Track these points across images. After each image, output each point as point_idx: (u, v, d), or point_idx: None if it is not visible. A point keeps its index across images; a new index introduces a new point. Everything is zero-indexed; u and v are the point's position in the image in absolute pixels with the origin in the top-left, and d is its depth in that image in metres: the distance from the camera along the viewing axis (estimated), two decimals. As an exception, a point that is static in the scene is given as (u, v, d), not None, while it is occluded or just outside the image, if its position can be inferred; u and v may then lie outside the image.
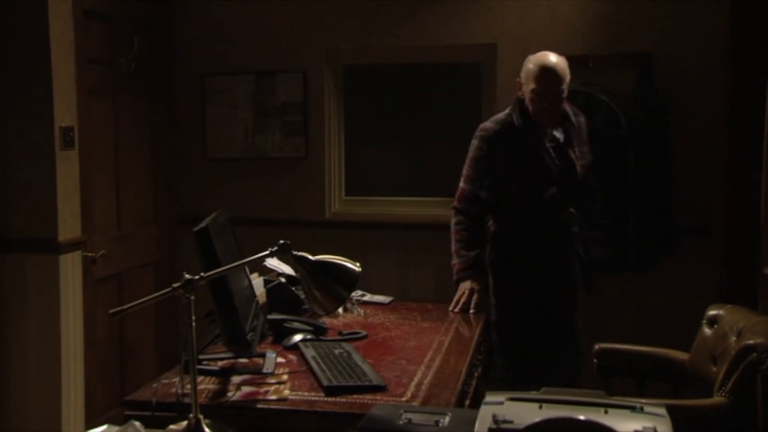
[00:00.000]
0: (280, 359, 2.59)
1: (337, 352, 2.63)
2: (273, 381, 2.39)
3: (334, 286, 2.14)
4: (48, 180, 3.58)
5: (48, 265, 3.59)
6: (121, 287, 4.27)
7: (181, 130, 4.71)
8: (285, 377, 2.42)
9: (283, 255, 2.12)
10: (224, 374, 2.44)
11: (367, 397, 2.26)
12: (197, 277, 2.01)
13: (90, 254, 3.88)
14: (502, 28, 4.32)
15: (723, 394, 2.58)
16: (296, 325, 2.87)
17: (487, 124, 3.45)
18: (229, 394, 2.28)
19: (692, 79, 4.09)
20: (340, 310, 3.24)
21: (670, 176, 4.08)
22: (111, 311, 1.97)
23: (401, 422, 1.94)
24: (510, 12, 4.30)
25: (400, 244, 4.51)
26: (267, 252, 2.14)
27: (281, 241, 2.13)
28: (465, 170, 3.47)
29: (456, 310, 3.31)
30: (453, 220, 3.52)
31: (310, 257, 2.15)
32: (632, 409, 1.68)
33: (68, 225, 3.67)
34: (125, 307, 1.98)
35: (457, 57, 4.48)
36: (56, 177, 3.59)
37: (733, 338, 2.78)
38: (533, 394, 1.79)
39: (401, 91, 4.67)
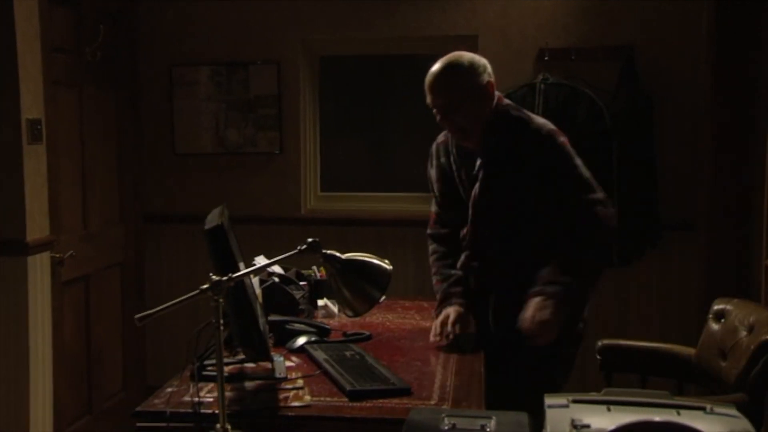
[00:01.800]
0: (288, 363, 2.46)
1: (348, 354, 2.51)
2: (289, 386, 2.25)
3: (366, 286, 2.02)
4: (15, 176, 3.35)
5: (15, 268, 3.36)
6: (89, 290, 4.04)
7: (147, 123, 4.50)
8: (300, 382, 2.28)
9: (312, 254, 1.98)
10: (235, 380, 2.29)
11: (393, 402, 2.14)
12: (225, 278, 1.85)
13: (57, 255, 3.65)
14: (483, 20, 4.24)
15: (743, 390, 2.54)
16: (299, 326, 2.73)
17: (440, 135, 2.89)
18: (248, 401, 2.14)
19: (675, 72, 4.09)
20: (335, 309, 3.11)
21: (654, 169, 4.07)
22: (137, 316, 1.81)
23: (446, 427, 1.83)
24: (492, 3, 4.23)
25: (378, 240, 4.39)
26: (296, 250, 2.00)
27: (310, 239, 2.00)
28: None
29: (434, 339, 2.66)
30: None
31: (341, 255, 2.02)
32: (703, 410, 1.61)
33: (36, 224, 3.44)
34: (151, 312, 1.82)
35: (437, 49, 4.31)
36: (24, 173, 3.36)
37: (744, 333, 2.75)
38: (594, 396, 1.70)
39: (379, 84, 4.56)
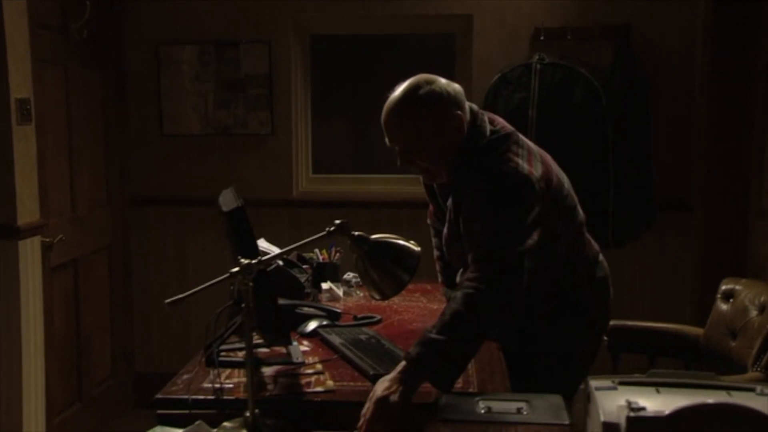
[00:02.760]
0: (302, 348, 2.40)
1: (363, 337, 2.45)
2: (309, 371, 2.19)
3: (395, 268, 1.96)
4: (5, 158, 3.24)
5: (6, 252, 3.26)
6: (77, 275, 3.94)
7: (134, 104, 4.38)
8: (319, 366, 2.23)
9: (340, 235, 1.92)
10: (245, 365, 2.23)
11: (417, 385, 2.10)
12: (255, 261, 1.79)
13: (47, 240, 3.54)
14: (478, -1, 4.19)
15: (758, 369, 2.54)
16: (309, 310, 2.67)
17: None
18: (269, 386, 2.08)
19: (671, 52, 4.07)
20: (341, 293, 3.06)
21: (649, 150, 4.06)
22: (167, 301, 1.74)
23: (482, 411, 1.80)
24: (486, -18, 4.18)
25: (371, 223, 4.27)
26: (324, 232, 1.94)
27: (338, 221, 1.94)
28: None
29: None
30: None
31: (369, 237, 1.96)
32: (753, 390, 1.58)
33: (27, 208, 3.34)
34: (181, 296, 1.75)
35: (430, 28, 4.32)
36: (14, 155, 3.24)
37: (755, 312, 2.75)
38: (640, 377, 1.67)
39: (371, 63, 4.49)
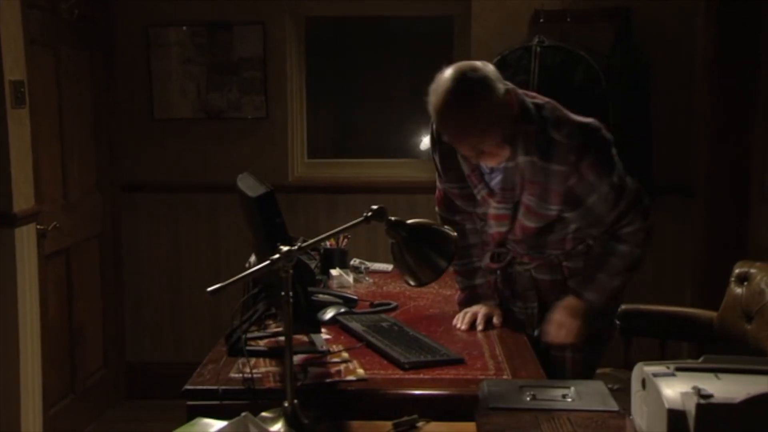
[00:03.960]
0: (323, 335, 2.34)
1: (385, 325, 2.41)
2: (336, 360, 2.14)
3: (432, 254, 1.91)
4: (0, 143, 3.11)
5: (2, 240, 3.14)
6: (69, 263, 3.83)
7: (123, 87, 4.26)
8: (345, 355, 2.18)
9: (377, 221, 1.87)
10: (276, 355, 2.17)
11: (450, 372, 2.06)
12: (296, 247, 1.72)
13: (41, 227, 3.43)
14: (477, -20, 4.13)
15: (780, 352, 2.53)
16: (325, 297, 2.62)
17: None
18: (299, 376, 2.01)
19: (671, 34, 4.06)
20: (350, 279, 3.00)
21: (649, 134, 4.05)
22: (209, 289, 1.67)
23: (528, 398, 1.76)
24: (486, -37, 4.12)
25: (367, 208, 4.26)
26: (362, 218, 1.88)
27: (375, 206, 1.88)
28: None
29: (462, 326, 2.43)
30: None
31: (406, 222, 1.91)
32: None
33: (22, 194, 3.23)
34: (223, 284, 1.68)
35: (428, 10, 4.26)
36: (8, 140, 3.13)
37: (771, 295, 2.74)
38: (694, 363, 1.64)
39: (368, 46, 4.41)
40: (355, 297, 2.68)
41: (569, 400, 1.76)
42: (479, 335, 2.40)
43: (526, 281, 2.46)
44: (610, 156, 2.26)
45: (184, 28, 4.17)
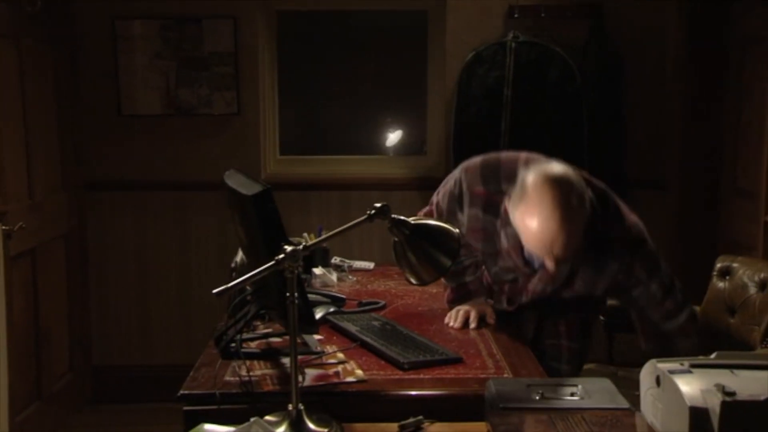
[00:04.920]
0: (316, 336, 2.28)
1: (377, 324, 2.36)
2: (333, 361, 2.08)
3: (435, 253, 1.86)
4: (-36, 139, 2.98)
5: (-32, 241, 3.01)
6: (35, 264, 3.69)
7: (88, 82, 4.12)
8: (341, 356, 2.12)
9: (381, 218, 1.81)
10: (270, 356, 2.11)
11: (450, 372, 2.03)
12: (301, 246, 1.67)
13: (7, 228, 3.30)
14: (452, -25, 4.10)
15: (767, 345, 2.55)
16: (314, 297, 2.56)
17: (475, 179, 2.33)
18: (299, 378, 1.95)
19: (644, 30, 4.08)
20: (334, 278, 2.94)
21: (623, 129, 4.06)
22: (215, 291, 1.60)
23: (537, 397, 1.73)
24: (461, -43, 4.09)
25: (342, 204, 4.22)
26: (365, 216, 1.83)
27: (378, 204, 1.83)
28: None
29: (455, 325, 2.43)
30: None
31: (410, 220, 1.86)
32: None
33: (-12, 193, 3.09)
34: (229, 285, 1.61)
35: (402, 4, 4.21)
36: (-28, 135, 3.00)
37: (754, 289, 2.76)
38: (707, 360, 1.63)
39: (341, 41, 4.35)
40: (343, 296, 2.63)
41: (579, 398, 1.73)
42: (473, 333, 2.37)
43: (526, 315, 2.45)
44: (657, 256, 2.29)
45: (152, 21, 4.05)
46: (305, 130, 4.46)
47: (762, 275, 2.76)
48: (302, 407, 1.69)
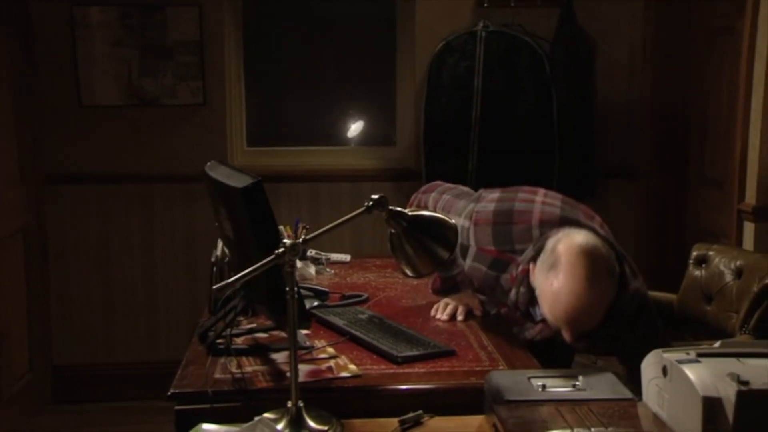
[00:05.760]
0: (303, 331, 2.22)
1: (364, 317, 2.32)
2: (324, 356, 2.03)
3: (433, 245, 1.82)
4: None
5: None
6: (-7, 260, 3.56)
7: (46, 71, 3.97)
8: (331, 350, 2.07)
9: (378, 210, 1.77)
10: (258, 352, 2.05)
11: (444, 365, 2.00)
12: (300, 240, 1.61)
13: (-35, 222, 3.17)
14: (421, -37, 4.05)
15: (746, 332, 2.57)
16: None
17: (485, 229, 2.19)
18: (289, 374, 1.89)
19: (614, 20, 4.09)
20: (312, 271, 2.89)
21: (592, 118, 4.07)
22: (215, 287, 1.54)
23: (539, 389, 1.71)
24: (428, -54, 4.05)
25: (311, 196, 4.16)
26: (363, 208, 1.78)
27: (376, 196, 1.78)
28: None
29: (442, 317, 2.39)
30: None
31: (408, 212, 1.81)
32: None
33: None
34: (230, 281, 1.55)
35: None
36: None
37: (730, 277, 2.78)
38: (712, 348, 1.62)
39: (308, 29, 4.27)
40: (326, 289, 2.58)
41: (582, 389, 1.72)
42: (460, 325, 2.34)
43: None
44: (652, 312, 2.21)
45: (113, 8, 3.92)
46: (272, 121, 4.38)
47: (738, 263, 2.78)
48: (302, 404, 1.64)
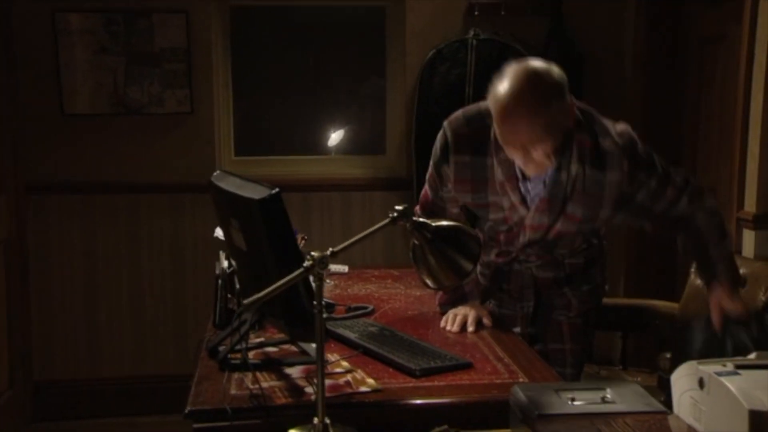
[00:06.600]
0: (313, 344, 2.16)
1: (374, 330, 2.27)
2: (339, 370, 1.97)
3: (457, 257, 1.78)
4: None
5: None
6: (-26, 273, 3.44)
7: (28, 78, 3.87)
8: (345, 364, 2.02)
9: (403, 221, 1.72)
10: (271, 366, 1.98)
11: (464, 378, 1.96)
12: (328, 252, 1.56)
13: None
14: (411, -30, 4.02)
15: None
16: (301, 302, 2.43)
17: (459, 122, 2.29)
18: (308, 390, 1.84)
19: (603, 27, 4.08)
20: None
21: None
22: (246, 301, 1.48)
23: (570, 402, 1.67)
24: (420, -48, 4.02)
25: (302, 206, 4.09)
26: (388, 219, 1.73)
27: (399, 207, 1.73)
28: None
29: (453, 328, 2.33)
30: None
31: (431, 223, 1.77)
32: None
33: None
34: (258, 296, 1.48)
35: (360, 0, 4.11)
36: None
37: (735, 286, 2.78)
38: (746, 360, 1.60)
39: (297, 38, 4.21)
40: (333, 302, 2.52)
41: (612, 402, 1.68)
42: (472, 337, 2.30)
43: (524, 280, 2.38)
44: (649, 152, 2.23)
45: (97, 14, 3.83)
46: (260, 130, 4.31)
47: (741, 271, 2.77)
48: (328, 421, 1.58)
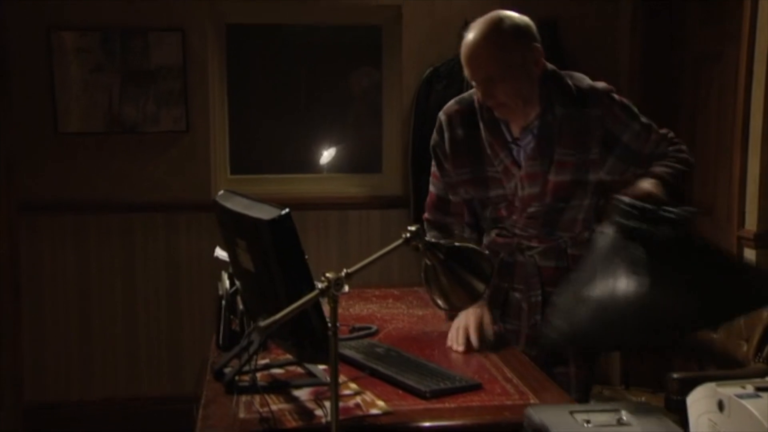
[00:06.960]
0: (320, 366, 2.13)
1: (380, 350, 2.24)
2: (348, 392, 1.94)
3: (470, 278, 1.77)
4: None
5: None
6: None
7: (22, 97, 3.84)
8: (354, 386, 1.99)
9: (415, 241, 1.70)
10: (278, 389, 1.95)
11: (474, 399, 1.93)
12: (343, 273, 1.54)
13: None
14: (407, -11, 4.03)
15: (761, 361, 2.55)
16: (305, 323, 2.40)
17: (450, 104, 2.47)
18: (318, 413, 1.81)
19: (597, 46, 4.10)
20: (313, 302, 2.79)
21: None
22: (262, 324, 1.45)
23: (586, 425, 1.65)
24: (415, -27, 4.03)
25: (298, 225, 4.02)
26: (401, 240, 1.71)
27: (412, 228, 1.72)
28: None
29: (455, 347, 2.30)
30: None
31: (445, 244, 1.75)
32: None
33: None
34: (276, 318, 1.46)
35: (356, 19, 4.11)
36: None
37: (737, 302, 2.77)
38: (764, 382, 1.58)
39: (293, 57, 4.21)
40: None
41: (629, 425, 1.66)
42: (480, 357, 2.27)
43: (528, 269, 2.39)
44: (628, 103, 2.38)
45: (93, 33, 3.81)
46: (256, 148, 4.29)
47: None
48: (343, 446, 1.56)
